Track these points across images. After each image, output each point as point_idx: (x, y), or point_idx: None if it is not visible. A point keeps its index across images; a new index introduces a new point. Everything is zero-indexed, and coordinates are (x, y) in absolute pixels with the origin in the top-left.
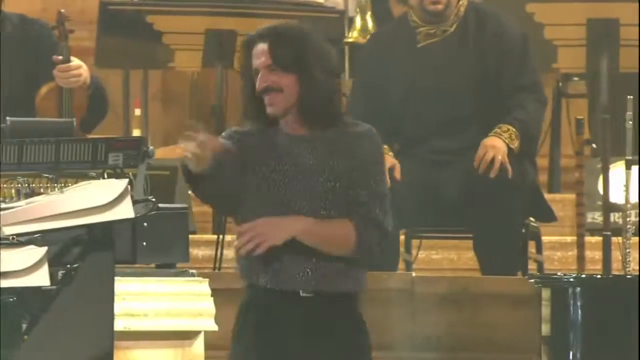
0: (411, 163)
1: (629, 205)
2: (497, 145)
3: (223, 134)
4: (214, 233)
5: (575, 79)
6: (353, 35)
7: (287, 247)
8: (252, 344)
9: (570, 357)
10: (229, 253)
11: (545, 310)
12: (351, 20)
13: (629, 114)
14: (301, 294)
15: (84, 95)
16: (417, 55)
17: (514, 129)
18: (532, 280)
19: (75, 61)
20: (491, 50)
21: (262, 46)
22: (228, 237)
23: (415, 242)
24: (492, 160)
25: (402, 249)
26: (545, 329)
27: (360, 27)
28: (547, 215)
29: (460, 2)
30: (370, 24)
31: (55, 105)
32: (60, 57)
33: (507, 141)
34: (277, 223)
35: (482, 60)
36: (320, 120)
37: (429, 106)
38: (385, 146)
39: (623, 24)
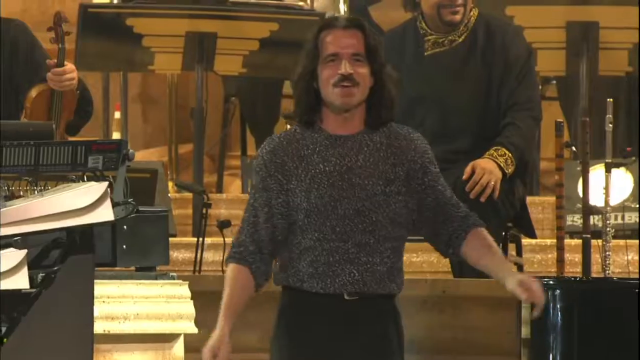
0: None
1: (608, 208)
2: (493, 171)
3: (258, 163)
4: (194, 236)
5: (554, 82)
6: None
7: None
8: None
9: (550, 359)
10: (209, 256)
11: (525, 313)
12: None
13: (609, 117)
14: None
15: (74, 98)
16: (425, 63)
17: (510, 155)
18: None
19: (68, 65)
20: (497, 62)
21: (348, 33)
22: (208, 240)
23: None
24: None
25: None
26: (525, 331)
27: None
28: (529, 232)
29: (472, 13)
30: None
31: (45, 107)
32: (55, 61)
33: (502, 166)
34: None
35: (488, 73)
36: (382, 120)
37: (431, 115)
38: None
39: (602, 27)
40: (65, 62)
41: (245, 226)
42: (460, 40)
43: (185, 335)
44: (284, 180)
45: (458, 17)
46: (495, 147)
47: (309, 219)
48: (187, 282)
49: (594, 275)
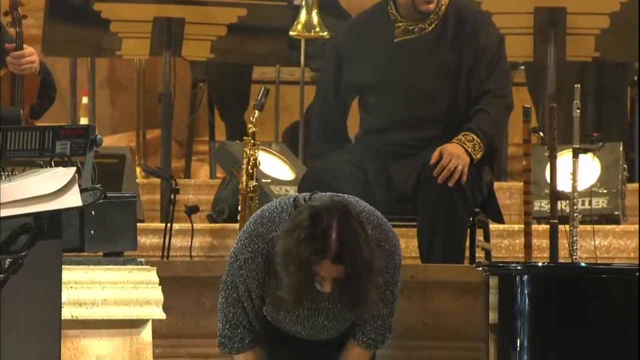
0: (367, 152)
1: (575, 194)
2: (461, 156)
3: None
4: (162, 221)
5: (522, 67)
6: (297, 29)
7: None
8: None
9: (518, 344)
10: (177, 241)
11: (493, 298)
12: (296, 10)
13: (576, 102)
14: None
15: (35, 82)
16: (393, 50)
17: (478, 140)
18: (480, 268)
19: (27, 48)
20: (467, 50)
21: (335, 266)
22: (176, 226)
23: None
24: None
25: None
26: (493, 316)
27: (304, 22)
28: (496, 216)
29: (443, 1)
30: (315, 20)
31: (7, 92)
32: (13, 45)
33: (470, 151)
34: None
35: (457, 61)
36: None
37: (399, 102)
38: None
39: (570, 13)
40: (25, 46)
41: (232, 322)
42: (430, 28)
43: (153, 320)
44: (262, 295)
45: (432, 6)
46: (464, 133)
47: (276, 324)
48: (155, 267)
49: (561, 260)
